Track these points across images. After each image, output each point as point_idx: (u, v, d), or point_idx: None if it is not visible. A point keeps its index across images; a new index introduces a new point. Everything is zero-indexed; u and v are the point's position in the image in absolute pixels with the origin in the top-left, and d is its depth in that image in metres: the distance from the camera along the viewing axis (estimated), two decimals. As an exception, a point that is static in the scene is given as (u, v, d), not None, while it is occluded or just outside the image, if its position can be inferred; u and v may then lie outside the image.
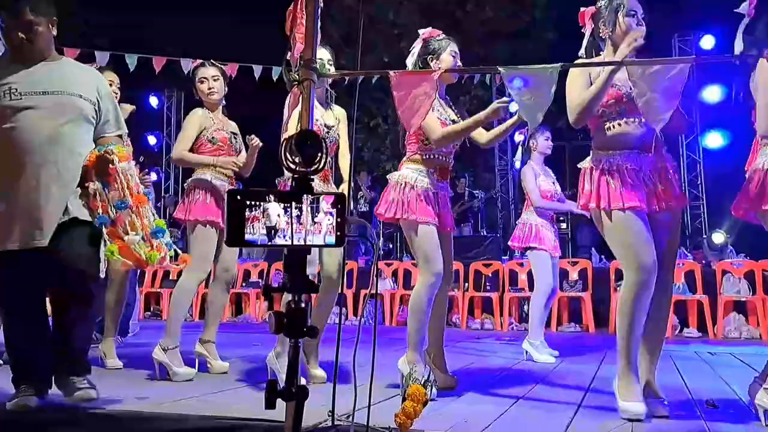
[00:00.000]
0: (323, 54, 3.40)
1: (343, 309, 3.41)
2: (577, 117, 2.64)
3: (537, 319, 4.51)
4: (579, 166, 2.81)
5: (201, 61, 3.77)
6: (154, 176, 10.23)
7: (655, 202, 2.62)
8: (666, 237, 2.68)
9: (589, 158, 2.75)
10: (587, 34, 2.82)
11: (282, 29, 2.44)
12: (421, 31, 3.23)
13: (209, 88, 3.64)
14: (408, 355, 2.96)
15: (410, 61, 3.22)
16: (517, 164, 4.99)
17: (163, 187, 12.32)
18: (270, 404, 1.35)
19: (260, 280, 8.34)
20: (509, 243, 4.94)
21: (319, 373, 3.29)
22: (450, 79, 3.20)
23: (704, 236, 9.62)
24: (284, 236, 1.42)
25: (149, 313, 8.46)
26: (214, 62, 3.74)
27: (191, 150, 3.61)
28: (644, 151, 2.65)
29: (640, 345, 2.61)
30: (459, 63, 3.15)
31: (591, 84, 2.62)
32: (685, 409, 2.72)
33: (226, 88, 3.76)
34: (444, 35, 3.21)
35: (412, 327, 2.99)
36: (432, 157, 3.10)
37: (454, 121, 3.13)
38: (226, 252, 3.61)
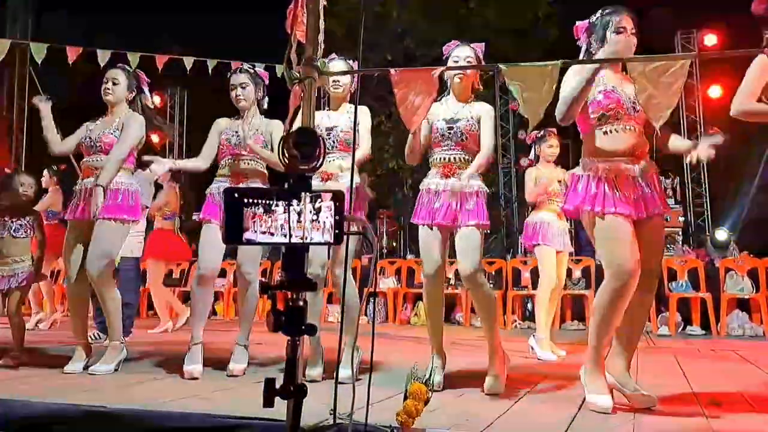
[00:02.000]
0: (338, 66, 3.46)
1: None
2: (564, 110, 2.63)
3: (542, 314, 4.51)
4: (573, 172, 2.82)
5: (240, 65, 3.77)
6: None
7: (643, 208, 2.64)
8: (653, 241, 2.69)
9: (580, 166, 2.77)
10: (583, 48, 2.84)
11: (283, 27, 2.44)
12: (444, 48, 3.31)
13: (237, 96, 3.71)
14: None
15: None
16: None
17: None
18: (268, 402, 1.35)
19: (263, 279, 8.34)
20: (521, 240, 4.94)
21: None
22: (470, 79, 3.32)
23: (707, 234, 9.60)
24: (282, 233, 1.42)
25: (152, 312, 8.47)
26: (247, 68, 3.76)
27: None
28: (635, 158, 2.66)
29: (616, 343, 2.71)
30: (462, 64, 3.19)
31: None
32: (688, 406, 2.72)
33: (261, 93, 3.77)
34: (456, 43, 3.30)
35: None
36: (434, 157, 3.22)
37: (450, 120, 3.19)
38: (238, 249, 3.63)
